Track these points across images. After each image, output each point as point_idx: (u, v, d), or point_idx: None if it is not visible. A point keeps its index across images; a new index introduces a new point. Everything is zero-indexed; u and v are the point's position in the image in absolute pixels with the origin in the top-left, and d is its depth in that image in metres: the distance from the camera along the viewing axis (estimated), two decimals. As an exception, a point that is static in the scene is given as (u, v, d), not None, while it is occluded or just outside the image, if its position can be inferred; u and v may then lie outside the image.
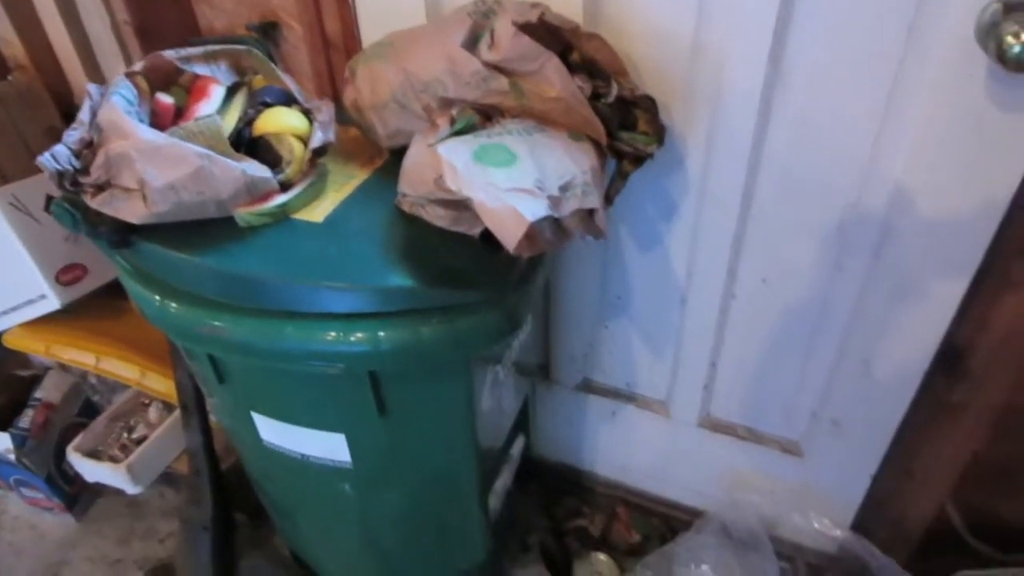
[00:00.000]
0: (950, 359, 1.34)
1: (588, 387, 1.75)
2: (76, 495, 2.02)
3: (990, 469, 1.59)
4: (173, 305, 1.05)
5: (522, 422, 1.62)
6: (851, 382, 1.42)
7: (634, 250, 1.47)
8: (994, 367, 1.31)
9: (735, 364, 1.53)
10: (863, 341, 1.36)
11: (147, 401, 1.95)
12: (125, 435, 1.88)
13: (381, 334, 0.97)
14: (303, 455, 1.23)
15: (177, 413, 1.86)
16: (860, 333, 1.35)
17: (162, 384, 1.83)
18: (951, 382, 1.36)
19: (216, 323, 1.02)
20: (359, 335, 0.98)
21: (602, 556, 1.82)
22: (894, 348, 1.35)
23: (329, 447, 1.20)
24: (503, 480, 1.50)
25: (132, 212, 1.00)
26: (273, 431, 1.23)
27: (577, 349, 1.68)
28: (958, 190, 1.13)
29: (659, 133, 1.15)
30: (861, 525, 1.63)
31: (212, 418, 1.79)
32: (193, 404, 1.73)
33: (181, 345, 1.20)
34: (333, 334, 0.98)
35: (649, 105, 1.14)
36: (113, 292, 1.80)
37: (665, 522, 1.89)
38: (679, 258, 1.43)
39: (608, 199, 1.16)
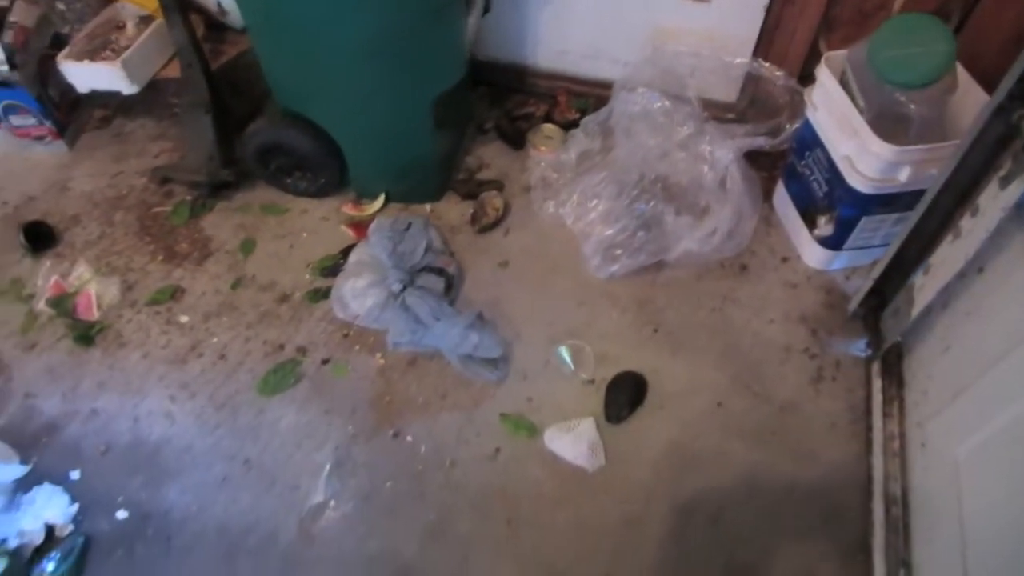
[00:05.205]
0: None
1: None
2: (65, 122, 2.16)
3: (849, 10, 2.00)
4: None
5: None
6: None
7: None
8: None
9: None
10: None
11: (121, 23, 2.07)
12: (109, 49, 2.01)
13: None
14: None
15: (157, 22, 2.01)
16: None
17: (137, -9, 1.96)
18: None
19: None
20: None
21: (549, 125, 2.19)
22: None
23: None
24: (474, 17, 1.78)
25: None
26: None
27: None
28: None
29: None
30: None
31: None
32: (173, 4, 1.89)
33: None
34: None
35: None
36: None
37: (599, 100, 2.25)
38: None
39: None
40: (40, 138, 2.15)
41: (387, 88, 1.74)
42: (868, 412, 1.68)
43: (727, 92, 2.14)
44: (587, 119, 2.08)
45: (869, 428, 1.65)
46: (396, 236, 1.78)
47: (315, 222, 2.04)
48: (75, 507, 1.55)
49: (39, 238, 1.95)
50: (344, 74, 1.71)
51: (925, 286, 1.60)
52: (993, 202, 1.38)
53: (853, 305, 1.83)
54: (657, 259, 1.88)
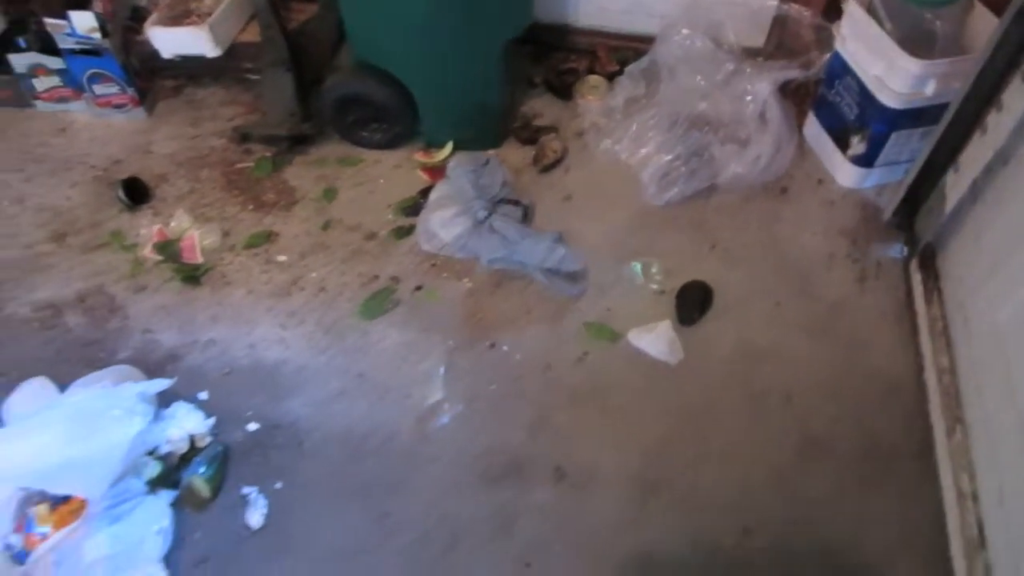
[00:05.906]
0: None
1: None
2: (144, 90, 2.30)
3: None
4: None
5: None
6: None
7: None
8: None
9: None
10: None
11: (198, -7, 2.23)
12: (194, 15, 2.15)
13: None
14: None
15: (235, -9, 2.16)
16: None
17: (217, -41, 2.11)
18: None
19: None
20: None
21: (594, 76, 2.38)
22: None
23: None
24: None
25: None
26: None
27: None
28: None
29: None
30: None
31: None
32: (254, -29, 2.05)
33: None
34: None
35: None
36: None
37: (636, 53, 2.44)
38: None
39: None
40: (120, 106, 2.28)
41: (462, 35, 1.91)
42: (910, 302, 1.88)
43: (754, 38, 2.34)
44: (631, 67, 2.28)
45: (914, 314, 1.86)
46: (477, 170, 1.96)
47: (389, 170, 2.20)
48: (212, 420, 1.69)
49: (135, 193, 2.08)
50: (422, 23, 1.88)
51: (956, 183, 1.80)
52: (1017, 97, 1.59)
53: (887, 214, 2.04)
54: (709, 183, 2.08)
